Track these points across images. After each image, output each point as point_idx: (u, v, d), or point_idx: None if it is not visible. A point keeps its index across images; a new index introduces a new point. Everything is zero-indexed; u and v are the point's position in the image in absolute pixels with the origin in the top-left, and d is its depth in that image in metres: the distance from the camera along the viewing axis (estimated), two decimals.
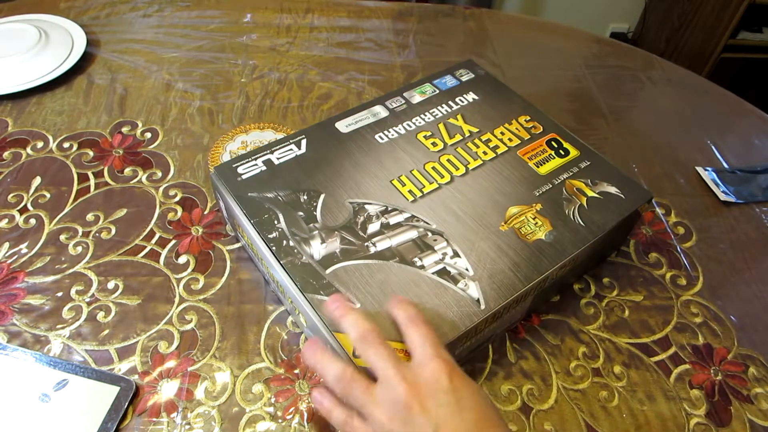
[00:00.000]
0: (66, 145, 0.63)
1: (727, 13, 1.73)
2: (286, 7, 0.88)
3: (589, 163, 0.53)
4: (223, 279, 0.52)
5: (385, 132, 0.54)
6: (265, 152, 0.52)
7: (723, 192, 0.64)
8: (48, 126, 0.65)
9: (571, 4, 2.14)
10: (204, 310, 0.50)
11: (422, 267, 0.44)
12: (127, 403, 0.43)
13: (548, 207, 0.49)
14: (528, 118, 0.57)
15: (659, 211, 0.62)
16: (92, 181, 0.60)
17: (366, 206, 0.48)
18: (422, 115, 0.56)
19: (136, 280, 0.51)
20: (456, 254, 0.45)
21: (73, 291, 0.50)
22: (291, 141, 0.53)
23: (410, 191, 0.49)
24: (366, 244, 0.45)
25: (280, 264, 0.44)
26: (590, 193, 0.50)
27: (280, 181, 0.49)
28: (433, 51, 0.82)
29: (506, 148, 0.54)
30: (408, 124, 0.55)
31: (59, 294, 0.50)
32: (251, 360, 0.47)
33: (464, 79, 0.61)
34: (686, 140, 0.71)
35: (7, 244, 0.53)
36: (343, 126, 0.55)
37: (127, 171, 0.61)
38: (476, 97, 0.59)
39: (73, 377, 0.44)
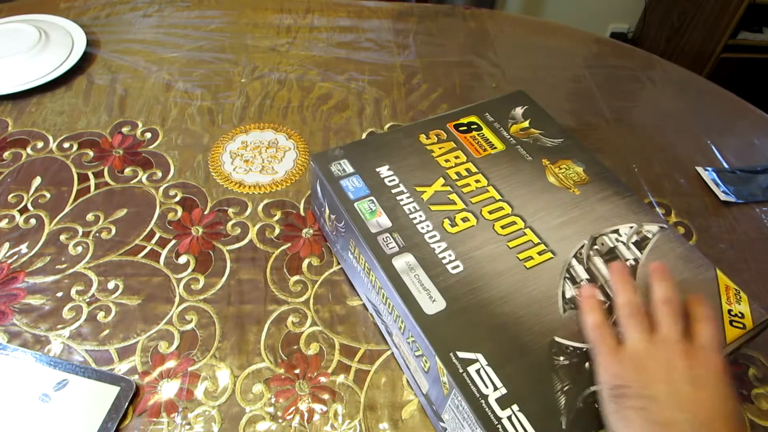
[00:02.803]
0: (66, 145, 0.63)
1: (727, 13, 1.73)
2: (286, 7, 0.88)
3: None
4: (223, 279, 0.52)
5: None
6: None
7: (723, 192, 0.64)
8: (48, 126, 0.65)
9: (571, 4, 2.14)
10: (204, 310, 0.50)
11: None
12: (127, 403, 0.43)
13: None
14: None
15: (659, 210, 0.62)
16: (92, 181, 0.60)
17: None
18: None
19: (137, 280, 0.51)
20: None
21: (73, 291, 0.50)
22: None
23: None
24: None
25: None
26: None
27: None
28: (433, 51, 0.82)
29: None
30: None
31: (59, 294, 0.50)
32: (251, 360, 0.47)
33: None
34: (686, 140, 0.71)
35: (7, 244, 0.53)
36: None
37: (128, 171, 0.61)
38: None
39: (74, 377, 0.44)
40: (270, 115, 0.69)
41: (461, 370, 0.38)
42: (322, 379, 0.46)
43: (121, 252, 0.53)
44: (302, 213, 0.58)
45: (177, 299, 0.50)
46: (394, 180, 0.50)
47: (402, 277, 0.43)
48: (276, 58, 0.78)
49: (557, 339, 0.41)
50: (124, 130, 0.66)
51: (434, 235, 0.46)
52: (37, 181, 0.59)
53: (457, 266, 0.44)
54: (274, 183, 0.61)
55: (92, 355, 0.46)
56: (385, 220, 0.46)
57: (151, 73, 0.74)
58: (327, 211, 0.51)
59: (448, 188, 0.50)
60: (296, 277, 0.52)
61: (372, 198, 0.48)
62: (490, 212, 0.48)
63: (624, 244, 0.48)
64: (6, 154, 0.62)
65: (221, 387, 0.45)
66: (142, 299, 0.50)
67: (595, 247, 0.47)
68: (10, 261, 0.52)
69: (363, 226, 0.46)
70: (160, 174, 0.61)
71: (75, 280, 0.51)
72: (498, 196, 0.50)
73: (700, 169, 0.67)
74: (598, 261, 0.46)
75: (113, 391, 0.43)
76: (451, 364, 0.38)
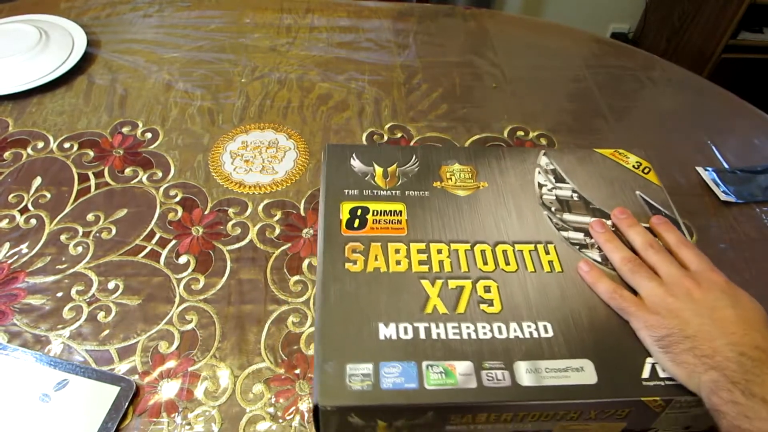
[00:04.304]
0: (66, 145, 0.63)
1: (727, 14, 1.73)
2: (286, 7, 0.88)
3: None
4: (224, 279, 0.52)
5: None
6: None
7: (723, 192, 0.64)
8: (48, 126, 0.65)
9: (571, 4, 2.14)
10: (204, 310, 0.50)
11: None
12: (127, 403, 0.43)
13: None
14: None
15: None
16: (93, 182, 0.60)
17: None
18: None
19: (137, 280, 0.51)
20: None
21: (73, 291, 0.50)
22: None
23: None
24: None
25: None
26: None
27: None
28: (433, 51, 0.82)
29: None
30: None
31: (59, 294, 0.50)
32: (251, 360, 0.47)
33: None
34: (686, 140, 0.71)
35: (7, 244, 0.53)
36: None
37: (128, 171, 0.61)
38: None
39: (74, 377, 0.44)
40: (270, 115, 0.69)
41: (663, 383, 0.38)
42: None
43: (121, 252, 0.53)
44: (302, 213, 0.58)
45: (177, 299, 0.50)
46: (405, 328, 0.40)
47: (542, 383, 0.37)
48: (276, 58, 0.78)
49: None
50: (125, 130, 0.66)
51: (499, 327, 0.40)
52: (38, 181, 0.59)
53: (545, 326, 0.41)
54: (274, 183, 0.61)
55: (92, 355, 0.46)
56: (463, 366, 0.38)
57: (151, 73, 0.74)
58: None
59: (441, 283, 0.43)
60: (296, 277, 0.52)
61: (427, 363, 0.38)
62: (485, 263, 0.44)
63: (553, 186, 0.51)
64: (6, 154, 0.62)
65: (221, 387, 0.45)
66: (143, 299, 0.50)
67: (551, 208, 0.49)
68: (10, 261, 0.52)
69: (460, 391, 0.37)
70: (160, 174, 0.61)
71: (75, 280, 0.51)
72: (468, 246, 0.45)
73: (700, 169, 0.66)
74: (568, 215, 0.48)
75: (113, 391, 0.43)
76: (653, 389, 0.38)
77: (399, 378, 0.37)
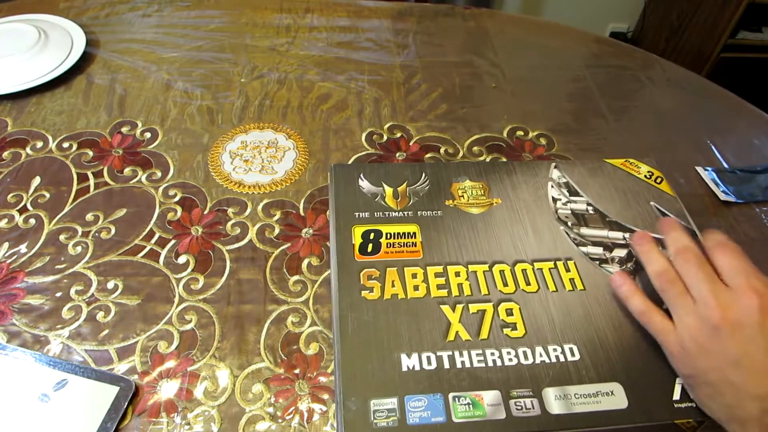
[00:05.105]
0: (65, 145, 0.63)
1: (726, 13, 1.73)
2: (285, 6, 0.88)
3: None
4: (223, 279, 0.52)
5: None
6: None
7: (723, 192, 0.64)
8: (47, 126, 0.65)
9: (571, 4, 2.14)
10: (204, 310, 0.50)
11: None
12: (126, 403, 0.43)
13: None
14: None
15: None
16: (92, 181, 0.60)
17: None
18: None
19: (136, 280, 0.51)
20: None
21: (72, 291, 0.50)
22: None
23: None
24: None
25: None
26: None
27: None
28: (432, 51, 0.82)
29: None
30: None
31: (59, 294, 0.50)
32: (251, 360, 0.47)
33: None
34: (686, 140, 0.71)
35: (6, 244, 0.53)
36: None
37: (127, 171, 0.61)
38: None
39: (73, 377, 0.44)
40: (270, 114, 0.69)
41: (694, 405, 0.37)
42: (322, 379, 0.46)
43: (120, 252, 0.53)
44: (302, 213, 0.58)
45: (176, 299, 0.50)
46: (428, 357, 0.39)
47: (573, 410, 0.37)
48: (275, 58, 0.78)
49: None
50: (124, 129, 0.66)
51: (524, 352, 0.39)
52: (37, 180, 0.59)
53: (571, 348, 0.39)
54: (273, 183, 0.61)
55: (92, 355, 0.46)
56: (490, 396, 0.37)
57: (150, 72, 0.74)
58: None
59: (461, 307, 0.42)
60: (296, 277, 0.52)
61: (453, 395, 0.37)
62: (505, 284, 0.43)
63: (568, 200, 0.49)
64: (5, 154, 0.62)
65: (221, 387, 0.45)
66: (142, 299, 0.50)
67: (568, 223, 0.48)
68: (9, 261, 0.52)
69: (489, 423, 0.36)
70: (159, 174, 0.61)
71: (74, 280, 0.51)
72: (486, 267, 0.44)
73: (699, 169, 0.66)
74: (585, 230, 0.47)
75: (113, 391, 0.43)
76: (685, 411, 0.37)
77: (425, 412, 0.36)
